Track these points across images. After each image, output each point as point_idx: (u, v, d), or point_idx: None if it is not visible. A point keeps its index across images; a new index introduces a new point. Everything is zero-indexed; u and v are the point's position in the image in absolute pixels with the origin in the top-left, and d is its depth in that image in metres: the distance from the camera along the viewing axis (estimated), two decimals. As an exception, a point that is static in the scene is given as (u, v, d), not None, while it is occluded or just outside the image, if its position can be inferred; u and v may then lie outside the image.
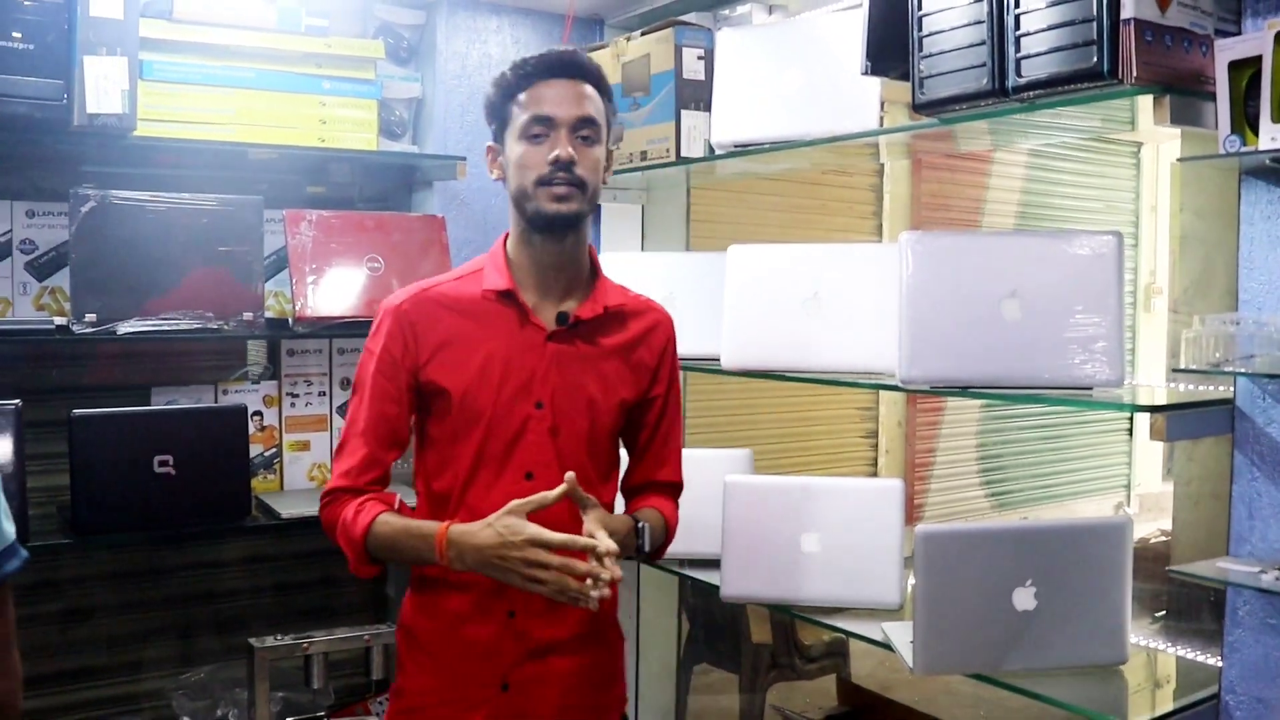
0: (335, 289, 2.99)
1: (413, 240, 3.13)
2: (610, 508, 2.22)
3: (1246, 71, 1.92)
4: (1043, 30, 2.01)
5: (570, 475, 1.95)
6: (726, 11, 3.21)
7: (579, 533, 1.97)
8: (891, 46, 2.33)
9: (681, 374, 2.39)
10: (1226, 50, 1.93)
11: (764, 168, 3.21)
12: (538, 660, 2.11)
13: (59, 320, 2.74)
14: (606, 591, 1.89)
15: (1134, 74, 1.90)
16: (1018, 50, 2.05)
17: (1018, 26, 2.05)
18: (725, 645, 3.91)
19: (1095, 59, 1.93)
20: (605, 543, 1.90)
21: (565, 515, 2.03)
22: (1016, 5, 2.05)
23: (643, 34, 3.11)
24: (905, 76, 2.29)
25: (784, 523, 2.55)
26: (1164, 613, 3.40)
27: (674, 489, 2.33)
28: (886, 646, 2.37)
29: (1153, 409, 2.02)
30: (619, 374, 2.17)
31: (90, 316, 2.67)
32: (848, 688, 3.53)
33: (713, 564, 2.69)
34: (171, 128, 2.85)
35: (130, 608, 3.18)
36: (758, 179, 4.58)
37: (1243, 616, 2.05)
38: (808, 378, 2.66)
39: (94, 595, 3.13)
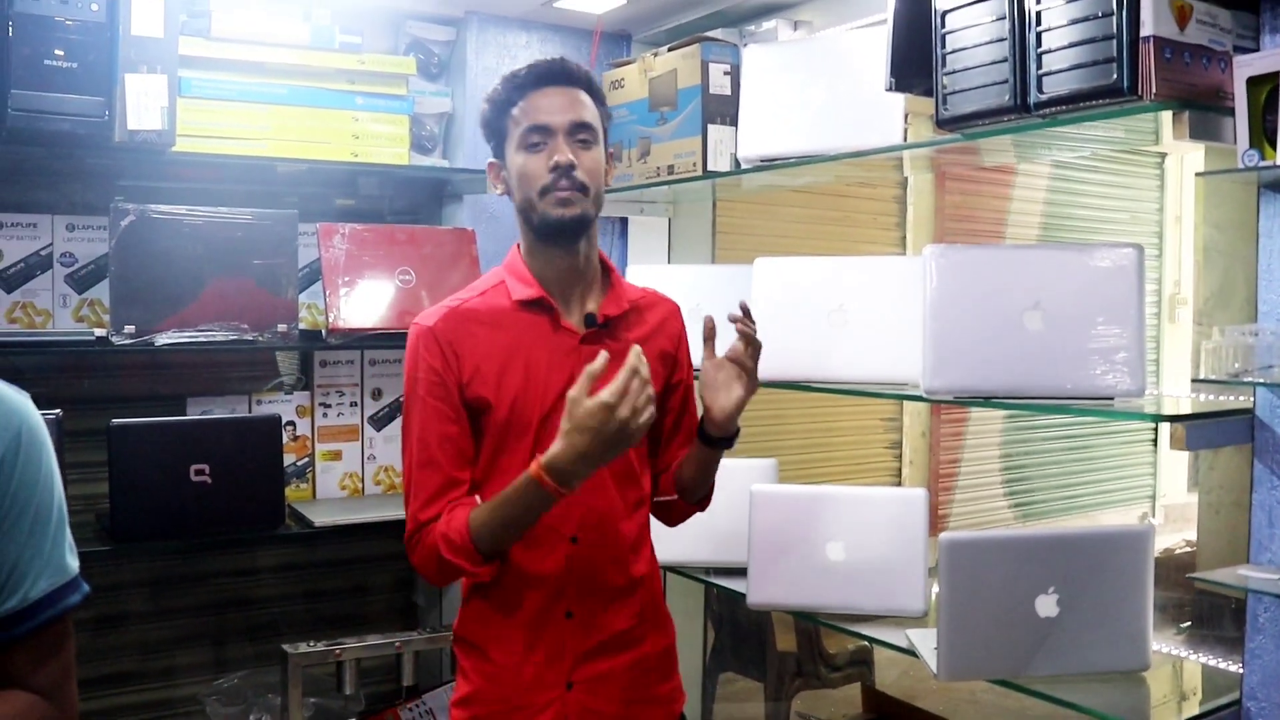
0: (367, 301, 3.04)
1: (443, 253, 3.18)
2: (648, 498, 2.26)
3: (1265, 87, 1.94)
4: (1064, 48, 2.05)
5: (636, 349, 1.92)
6: (752, 27, 3.25)
7: (623, 545, 2.11)
8: (915, 63, 2.37)
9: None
10: (1245, 66, 1.96)
11: (789, 181, 3.25)
12: (599, 657, 2.14)
13: (98, 331, 2.81)
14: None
15: (1153, 90, 1.94)
16: (1039, 67, 2.08)
17: (1039, 44, 2.08)
18: (751, 653, 3.94)
19: (1115, 76, 1.96)
20: (637, 357, 1.89)
21: (614, 497, 2.12)
22: (1038, 23, 2.08)
23: (670, 49, 3.15)
24: (929, 92, 2.32)
25: (809, 531, 2.58)
26: (1189, 621, 3.41)
27: None
28: (911, 653, 2.40)
29: (1171, 419, 2.04)
30: (649, 366, 2.19)
31: (129, 328, 2.73)
32: (873, 696, 3.54)
33: (739, 572, 2.72)
34: (209, 143, 2.91)
35: (165, 614, 3.23)
36: (783, 191, 4.61)
37: (1263, 623, 2.07)
38: (832, 388, 2.69)
39: (130, 601, 3.18)
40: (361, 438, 3.31)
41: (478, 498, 2.10)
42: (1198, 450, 2.43)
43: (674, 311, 2.32)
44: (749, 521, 2.61)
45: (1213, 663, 2.47)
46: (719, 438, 2.18)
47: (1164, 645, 2.70)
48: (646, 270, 3.03)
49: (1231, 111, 1.99)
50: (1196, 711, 2.16)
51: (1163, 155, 7.47)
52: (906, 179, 6.02)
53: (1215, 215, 3.27)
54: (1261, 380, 2.00)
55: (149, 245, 2.78)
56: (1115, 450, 7.45)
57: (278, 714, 3.06)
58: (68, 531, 1.44)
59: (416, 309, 3.05)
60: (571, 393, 1.89)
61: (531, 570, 2.11)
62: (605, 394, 1.86)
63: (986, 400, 2.29)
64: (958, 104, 2.24)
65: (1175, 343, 7.40)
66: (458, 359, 2.10)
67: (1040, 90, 2.09)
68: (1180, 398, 2.76)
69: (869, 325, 2.62)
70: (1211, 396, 2.32)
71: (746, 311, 2.16)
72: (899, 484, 6.21)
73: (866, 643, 2.61)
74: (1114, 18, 1.96)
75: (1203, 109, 2.01)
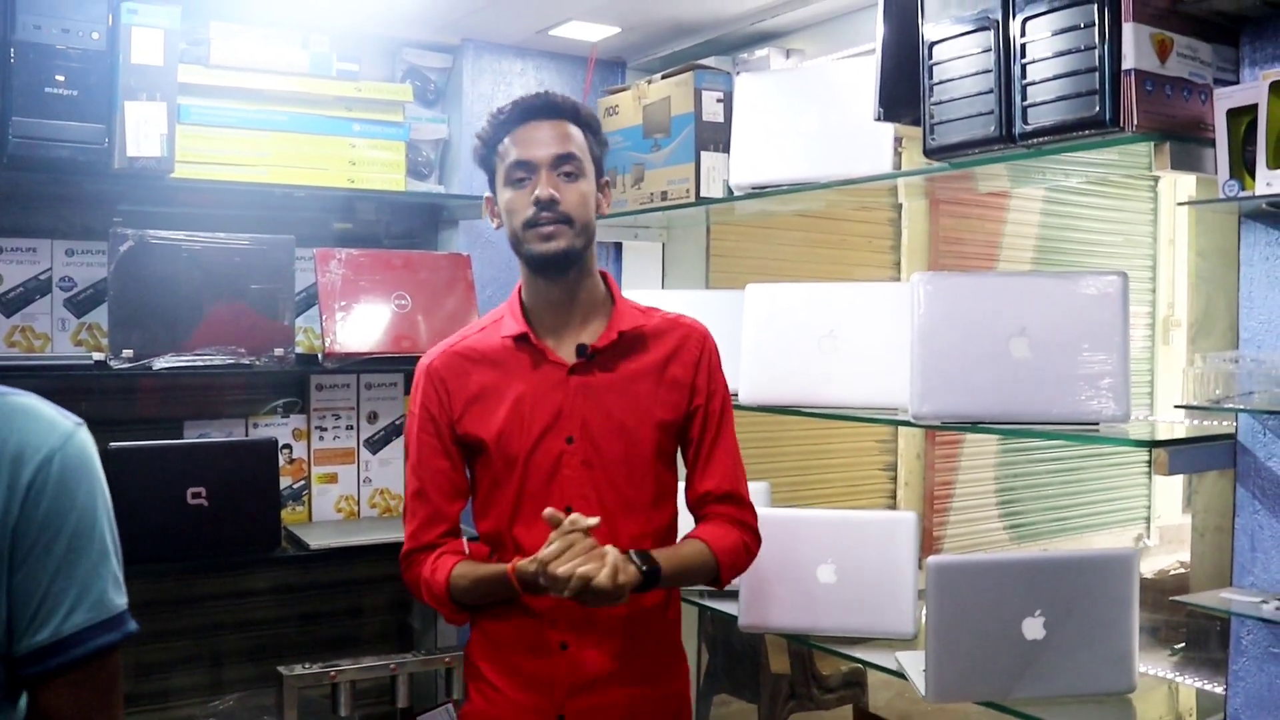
0: (363, 325, 3.07)
1: (439, 278, 3.21)
2: (663, 532, 2.22)
3: (1245, 119, 1.98)
4: (1048, 80, 2.08)
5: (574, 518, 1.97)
6: (745, 55, 3.28)
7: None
8: (904, 93, 2.40)
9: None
10: (1225, 99, 2.00)
11: (781, 207, 3.28)
12: (593, 692, 2.14)
13: (97, 355, 2.83)
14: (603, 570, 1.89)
15: (1135, 122, 1.97)
16: (1024, 99, 2.12)
17: (1024, 76, 2.12)
18: (744, 675, 3.95)
19: (1098, 108, 2.00)
20: (585, 520, 1.95)
21: (610, 529, 2.10)
22: (1023, 55, 2.12)
23: (663, 77, 3.19)
24: (917, 122, 2.36)
25: (800, 554, 2.61)
26: (1182, 645, 3.43)
27: (728, 499, 2.24)
28: (900, 675, 2.43)
29: (1155, 444, 2.07)
30: (652, 395, 2.18)
31: (127, 352, 2.76)
32: (866, 718, 3.57)
33: (731, 594, 2.74)
34: (207, 169, 2.93)
35: (161, 636, 3.23)
36: (777, 216, 4.64)
37: (1246, 646, 2.10)
38: (824, 413, 2.72)
39: (127, 623, 3.18)
40: (357, 461, 3.33)
41: (464, 542, 2.21)
42: (1180, 475, 2.45)
43: (695, 335, 2.26)
44: (741, 544, 2.63)
45: (1200, 685, 2.50)
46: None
47: (1156, 667, 2.72)
48: (640, 295, 3.05)
49: (1212, 143, 2.03)
50: (1182, 733, 2.18)
51: (1156, 179, 7.49)
52: (900, 204, 6.04)
53: (1200, 242, 3.30)
54: (1243, 406, 2.03)
55: (147, 270, 2.80)
56: (1110, 472, 7.46)
57: (273, 735, 3.08)
58: (113, 566, 1.39)
59: (412, 333, 3.08)
60: (552, 536, 1.95)
61: (528, 600, 2.13)
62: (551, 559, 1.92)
63: (974, 425, 2.32)
64: (945, 134, 2.27)
65: (1169, 365, 7.42)
66: (449, 397, 2.17)
67: (1025, 121, 2.13)
68: (1167, 423, 2.79)
69: (860, 350, 2.65)
70: (1198, 421, 2.35)
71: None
72: (894, 506, 6.22)
73: (859, 664, 2.62)
74: (1096, 51, 2.00)
75: (1184, 140, 2.05)
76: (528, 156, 2.11)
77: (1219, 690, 2.26)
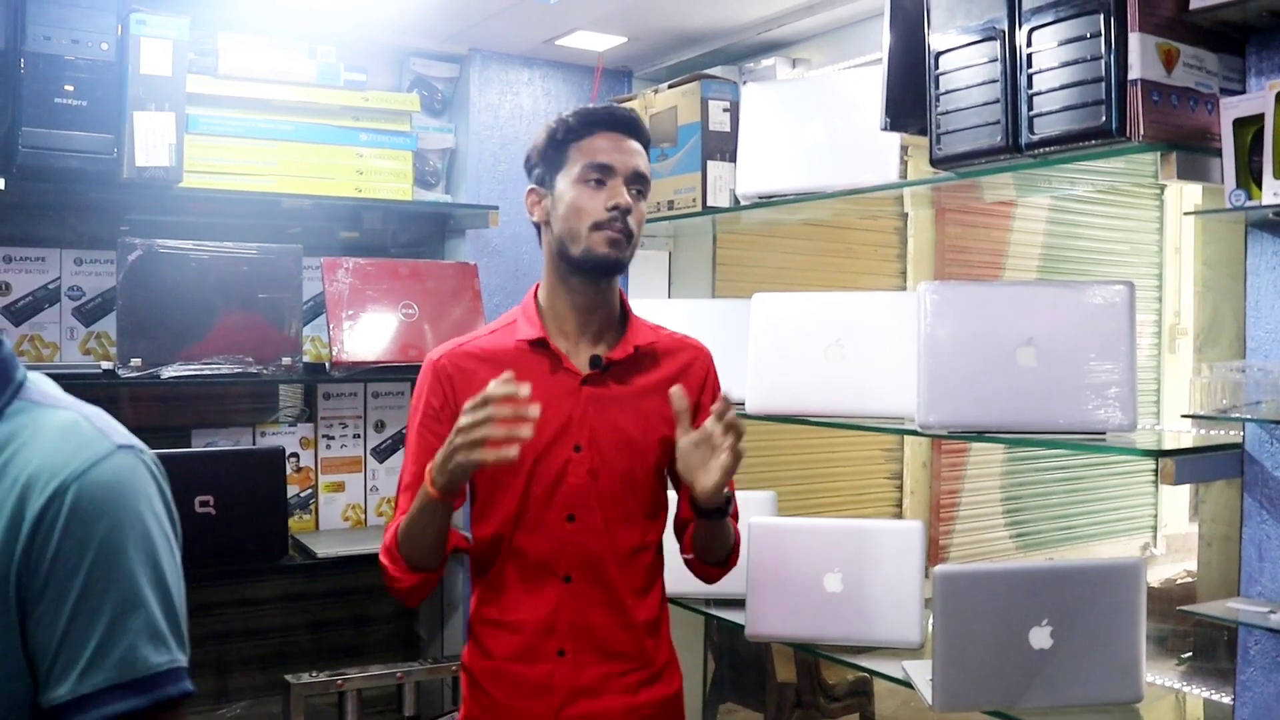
0: (370, 334, 3.08)
1: (446, 287, 3.22)
2: (657, 545, 2.25)
3: (1251, 128, 1.98)
4: (1054, 90, 2.09)
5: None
6: (751, 65, 3.29)
7: (620, 588, 2.13)
8: (910, 102, 2.41)
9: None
10: (1231, 108, 2.00)
11: (788, 216, 3.29)
12: (590, 698, 2.14)
13: (105, 364, 2.84)
14: (525, 432, 1.87)
15: (1141, 132, 1.97)
16: (1030, 109, 2.13)
17: (1030, 86, 2.13)
18: (750, 684, 3.95)
19: (1104, 118, 2.00)
20: (524, 388, 1.89)
21: (608, 540, 2.12)
22: (1029, 65, 2.13)
23: (670, 86, 3.20)
24: (923, 131, 2.37)
25: (807, 563, 2.60)
26: (1189, 654, 3.43)
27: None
28: (907, 684, 2.42)
29: (1162, 453, 2.07)
30: (658, 411, 2.19)
31: (135, 361, 2.77)
32: (872, 727, 3.57)
33: (738, 603, 2.74)
34: (215, 179, 2.95)
35: (169, 644, 3.23)
36: (783, 225, 4.65)
37: (1254, 655, 2.10)
38: (831, 422, 2.72)
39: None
40: (364, 469, 3.34)
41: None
42: (1187, 484, 2.45)
43: (701, 357, 2.30)
44: (747, 554, 2.63)
45: (1208, 695, 2.49)
46: (709, 508, 2.15)
47: (1163, 677, 2.72)
48: (646, 305, 3.05)
49: (1219, 152, 2.03)
50: (1189, 743, 2.18)
51: (1162, 187, 7.49)
52: (906, 213, 6.05)
53: (1206, 251, 3.30)
54: (1250, 416, 2.03)
55: (155, 279, 2.81)
56: (1116, 480, 7.45)
57: (280, 744, 3.08)
58: (151, 618, 1.21)
59: (419, 342, 3.08)
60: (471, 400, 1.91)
61: (525, 605, 2.14)
62: (463, 414, 1.90)
63: (981, 435, 2.32)
64: (951, 143, 2.28)
65: (1175, 372, 7.41)
66: (455, 395, 2.15)
67: (1031, 131, 2.13)
68: (1174, 432, 2.79)
69: (866, 360, 2.64)
70: (1205, 431, 2.35)
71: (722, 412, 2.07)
72: (900, 515, 6.21)
73: (865, 673, 2.62)
74: (1103, 61, 2.00)
75: (1190, 150, 2.05)
76: (611, 162, 2.12)
77: (1227, 700, 2.26)
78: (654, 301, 3.37)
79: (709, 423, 2.04)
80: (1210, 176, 2.07)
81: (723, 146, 3.07)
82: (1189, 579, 5.65)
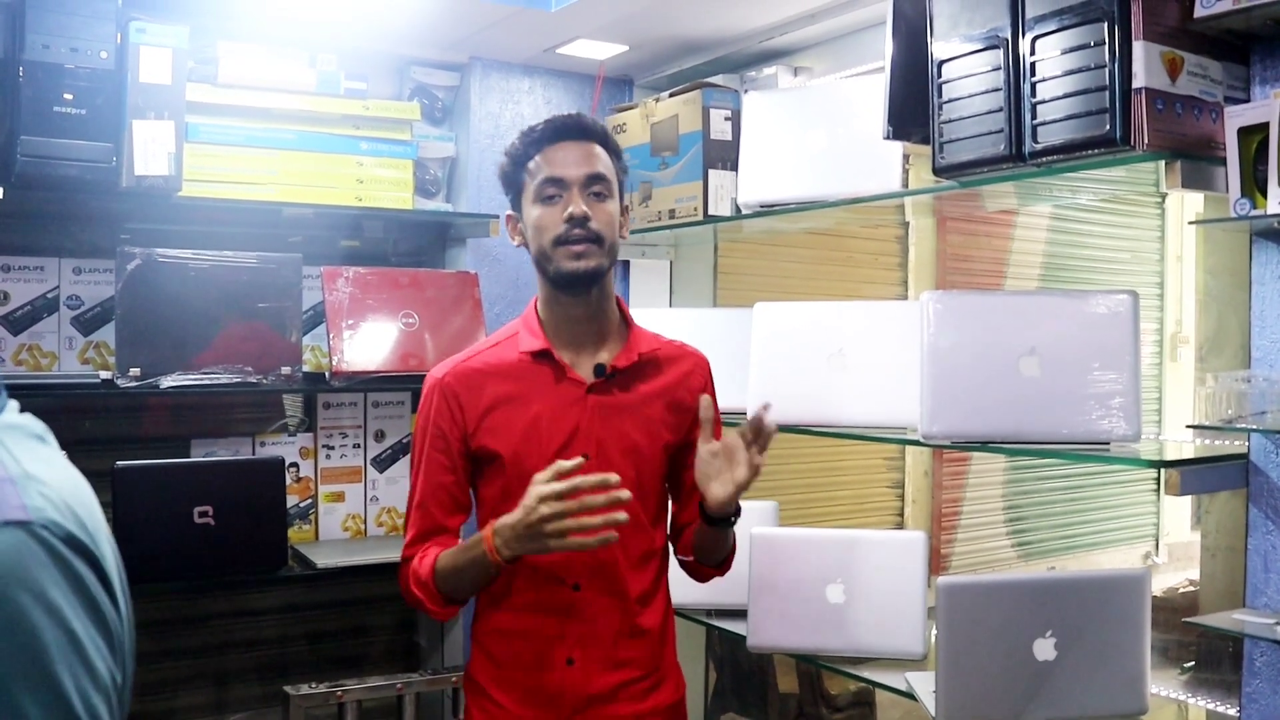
0: (370, 344, 3.06)
1: (446, 296, 3.21)
2: (661, 551, 2.28)
3: (1256, 137, 1.97)
4: (1058, 98, 2.08)
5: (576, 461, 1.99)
6: (753, 73, 3.28)
7: (629, 595, 2.14)
8: (912, 111, 2.40)
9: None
10: (1236, 117, 2.00)
11: (789, 225, 3.28)
12: (599, 706, 2.16)
13: (104, 374, 2.82)
14: (623, 516, 1.93)
15: (1146, 140, 1.97)
16: (1034, 117, 2.12)
17: (1034, 94, 2.12)
18: (752, 695, 3.94)
19: (1108, 126, 1.99)
20: (613, 475, 1.95)
21: (618, 548, 2.12)
22: (1033, 74, 2.12)
23: (671, 95, 3.19)
24: (926, 140, 2.36)
25: (809, 574, 2.59)
26: (1192, 664, 3.41)
27: None
28: (910, 696, 2.41)
29: (1166, 464, 2.06)
30: (661, 418, 2.23)
31: (134, 370, 2.75)
32: (874, 738, 3.56)
33: (740, 614, 2.74)
34: (215, 188, 2.94)
35: (167, 655, 3.22)
36: (784, 234, 4.64)
37: (1260, 667, 2.09)
38: (833, 432, 2.71)
39: (133, 643, 3.17)
40: (364, 479, 3.32)
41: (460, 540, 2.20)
42: (1192, 495, 2.44)
43: (700, 365, 2.34)
44: (749, 564, 2.63)
45: (1212, 706, 2.48)
46: (718, 518, 2.18)
47: (1165, 688, 2.71)
48: (648, 314, 3.05)
49: (1223, 161, 2.02)
50: (1195, 756, 2.16)
51: (1163, 196, 7.48)
52: (908, 222, 6.04)
53: (1210, 261, 3.29)
54: (1255, 426, 2.02)
55: (155, 288, 2.80)
56: (1118, 490, 7.43)
57: (279, 756, 3.07)
58: None
59: (420, 352, 3.07)
60: (537, 476, 1.96)
61: (535, 614, 2.15)
62: (533, 491, 1.94)
63: (984, 445, 2.31)
64: (954, 152, 2.27)
65: (1177, 381, 7.40)
66: (462, 412, 2.17)
67: (1035, 140, 2.12)
68: (1178, 442, 2.78)
69: (868, 369, 2.64)
70: (1209, 441, 2.34)
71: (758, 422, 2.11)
72: (901, 524, 6.20)
73: (868, 684, 2.61)
74: (1106, 69, 1.99)
75: (1195, 159, 2.04)
76: (561, 174, 2.13)
77: (1232, 712, 2.25)
78: (656, 310, 3.36)
79: (733, 434, 2.07)
80: (1214, 185, 2.06)
81: (724, 155, 3.06)
82: (1191, 588, 5.63)
